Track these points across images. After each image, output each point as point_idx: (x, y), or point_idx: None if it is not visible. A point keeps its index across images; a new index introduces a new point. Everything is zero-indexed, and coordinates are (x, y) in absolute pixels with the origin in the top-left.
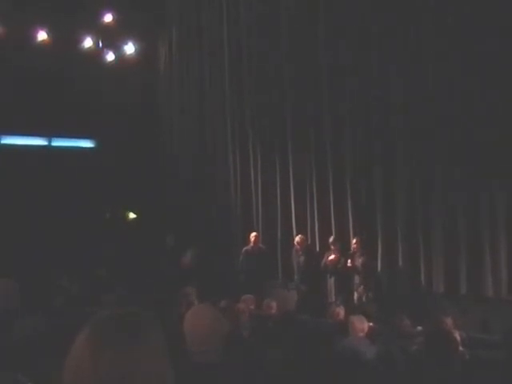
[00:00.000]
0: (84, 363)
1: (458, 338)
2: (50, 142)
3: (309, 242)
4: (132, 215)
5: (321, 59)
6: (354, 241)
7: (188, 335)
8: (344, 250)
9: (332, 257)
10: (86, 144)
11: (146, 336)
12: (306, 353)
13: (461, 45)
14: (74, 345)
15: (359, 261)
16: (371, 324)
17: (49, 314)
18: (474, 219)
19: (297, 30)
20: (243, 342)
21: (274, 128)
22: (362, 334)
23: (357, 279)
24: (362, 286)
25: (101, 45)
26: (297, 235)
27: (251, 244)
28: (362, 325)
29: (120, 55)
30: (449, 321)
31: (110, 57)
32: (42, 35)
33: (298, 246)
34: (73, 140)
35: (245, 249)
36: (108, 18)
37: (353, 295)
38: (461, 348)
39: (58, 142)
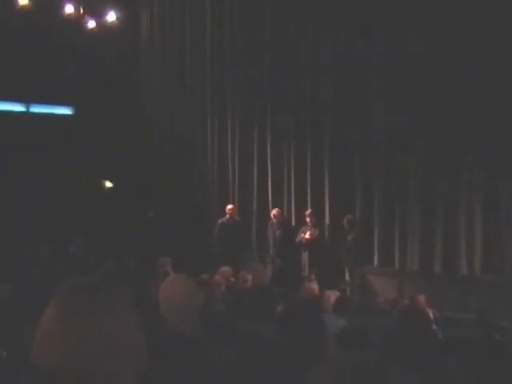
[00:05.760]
0: (52, 333)
1: (432, 316)
2: (28, 108)
3: (285, 215)
4: (108, 184)
5: (303, 40)
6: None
7: (162, 306)
8: (320, 225)
9: (308, 235)
10: (65, 111)
11: (115, 307)
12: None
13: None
14: (43, 314)
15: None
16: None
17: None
18: (450, 198)
19: (281, 4)
20: (218, 314)
21: (253, 101)
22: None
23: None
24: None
25: (82, 11)
26: (273, 208)
27: (227, 216)
28: None
29: (101, 22)
30: (422, 299)
31: (91, 24)
32: (22, 0)
33: (275, 220)
34: (51, 106)
35: (220, 221)
36: None
37: (326, 270)
38: (434, 327)
39: (36, 109)
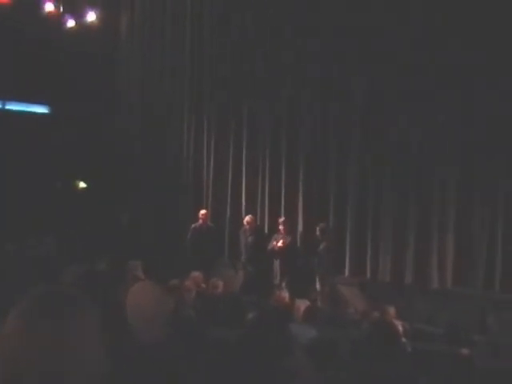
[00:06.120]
0: (13, 344)
1: (401, 328)
2: (3, 105)
3: (258, 222)
4: (82, 185)
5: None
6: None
7: (130, 313)
8: (292, 233)
9: (280, 243)
10: (41, 109)
11: (75, 320)
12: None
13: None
14: (4, 324)
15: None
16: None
17: None
18: (424, 210)
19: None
20: (187, 321)
21: (229, 106)
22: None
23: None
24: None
25: (62, 10)
26: (246, 215)
27: (200, 221)
28: None
29: (81, 22)
30: (392, 311)
31: (71, 23)
32: None
33: (247, 226)
34: (27, 105)
35: (193, 226)
36: None
37: (297, 278)
38: (403, 339)
39: (11, 106)
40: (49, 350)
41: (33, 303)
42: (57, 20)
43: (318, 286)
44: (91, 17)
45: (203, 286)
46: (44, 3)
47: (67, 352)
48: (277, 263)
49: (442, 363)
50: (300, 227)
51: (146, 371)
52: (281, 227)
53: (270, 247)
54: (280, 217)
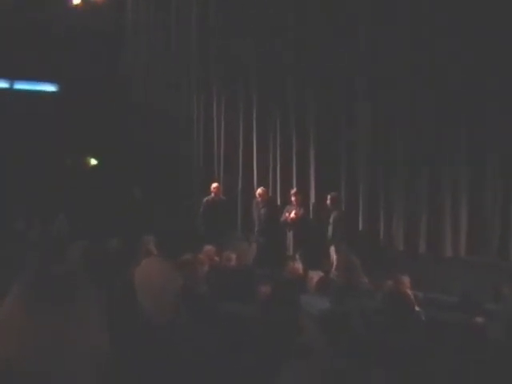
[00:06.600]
0: (11, 324)
1: (415, 298)
2: (12, 84)
3: (270, 194)
4: (93, 162)
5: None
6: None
7: (139, 290)
8: (305, 204)
9: (293, 214)
10: (49, 88)
11: (76, 303)
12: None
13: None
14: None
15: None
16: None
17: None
18: (436, 179)
19: None
20: (200, 296)
21: (239, 78)
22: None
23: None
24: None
25: None
26: (258, 187)
27: (212, 195)
28: None
29: None
30: (406, 280)
31: (77, 0)
32: None
33: (260, 199)
34: (36, 83)
35: (205, 199)
36: None
37: (310, 249)
38: (417, 308)
39: (20, 85)
40: (48, 334)
41: (31, 286)
42: None
43: (331, 256)
44: None
45: (216, 259)
46: None
47: (67, 339)
48: (290, 235)
49: (456, 332)
50: (312, 198)
51: (153, 350)
52: (293, 198)
53: (282, 219)
54: (292, 188)
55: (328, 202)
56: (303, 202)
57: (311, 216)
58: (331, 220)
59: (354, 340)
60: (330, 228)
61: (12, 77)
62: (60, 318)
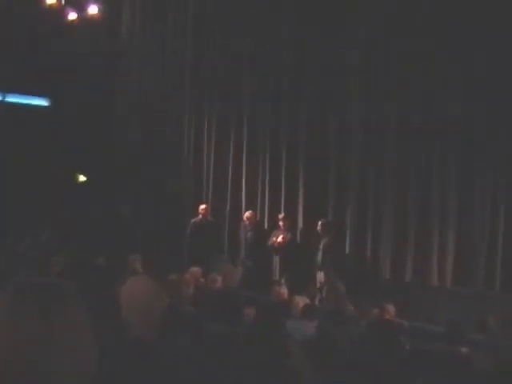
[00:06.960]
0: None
1: (400, 326)
2: (3, 97)
3: (258, 218)
4: (82, 178)
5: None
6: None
7: (125, 308)
8: (292, 229)
9: (280, 239)
10: (41, 102)
11: (61, 312)
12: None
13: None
14: None
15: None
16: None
17: None
18: (424, 208)
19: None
20: (185, 315)
21: (230, 100)
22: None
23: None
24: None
25: (64, 2)
26: (246, 210)
27: (200, 216)
28: None
29: (82, 15)
30: (391, 309)
31: (72, 16)
32: None
33: (247, 222)
34: (28, 97)
35: (193, 221)
36: None
37: (296, 274)
38: (402, 338)
39: (12, 98)
40: (35, 347)
41: (19, 296)
42: (58, 12)
43: (318, 282)
44: (93, 10)
45: (202, 280)
46: None
47: (55, 350)
48: (276, 259)
49: (441, 362)
50: (300, 223)
51: (138, 368)
52: (281, 223)
53: (269, 243)
54: (280, 213)
55: (318, 228)
56: (291, 226)
57: (299, 241)
58: (321, 246)
59: (340, 366)
60: (320, 254)
61: (4, 90)
62: (47, 331)
